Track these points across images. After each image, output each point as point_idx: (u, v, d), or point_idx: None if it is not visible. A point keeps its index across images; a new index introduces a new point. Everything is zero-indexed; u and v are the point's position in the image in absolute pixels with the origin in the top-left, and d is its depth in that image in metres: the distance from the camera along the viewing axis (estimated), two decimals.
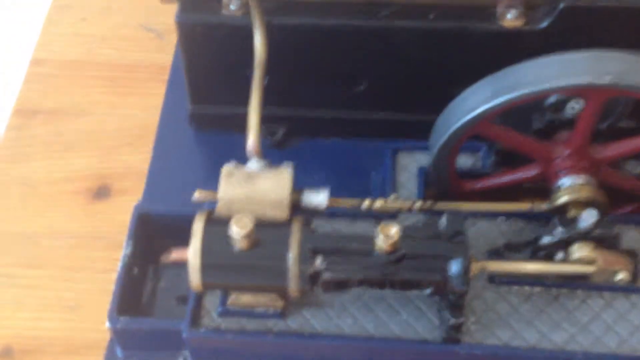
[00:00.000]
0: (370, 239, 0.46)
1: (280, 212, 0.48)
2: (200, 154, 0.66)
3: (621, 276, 0.48)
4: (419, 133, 0.61)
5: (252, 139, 0.51)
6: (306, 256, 0.46)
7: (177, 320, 0.51)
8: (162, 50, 0.75)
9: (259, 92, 0.53)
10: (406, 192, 0.58)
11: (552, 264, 0.49)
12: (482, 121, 0.49)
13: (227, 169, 0.51)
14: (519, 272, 0.49)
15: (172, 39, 0.76)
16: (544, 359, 0.49)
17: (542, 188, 0.54)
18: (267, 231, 0.47)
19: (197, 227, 0.47)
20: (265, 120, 0.66)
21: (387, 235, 0.45)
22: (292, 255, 0.46)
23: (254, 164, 0.51)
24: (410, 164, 0.60)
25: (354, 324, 0.51)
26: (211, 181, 0.64)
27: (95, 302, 0.59)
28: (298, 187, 0.52)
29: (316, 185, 0.64)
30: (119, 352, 0.54)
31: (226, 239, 0.46)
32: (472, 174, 0.56)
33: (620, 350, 0.49)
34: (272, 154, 0.65)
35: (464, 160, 0.59)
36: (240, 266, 0.46)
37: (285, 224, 0.47)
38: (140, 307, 0.55)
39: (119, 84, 0.73)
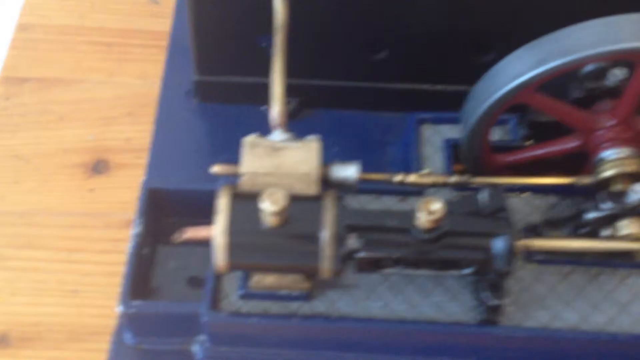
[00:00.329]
0: (409, 215, 0.43)
1: (310, 187, 0.45)
2: (205, 126, 0.62)
3: None
4: (440, 105, 0.59)
5: (276, 109, 0.47)
6: (341, 234, 0.43)
7: (194, 303, 0.47)
8: (159, 15, 0.71)
9: (281, 58, 0.49)
10: (432, 166, 0.55)
11: (600, 240, 0.46)
12: (528, 89, 0.46)
13: (249, 140, 0.47)
14: (564, 249, 0.46)
15: (168, 3, 0.72)
16: (586, 342, 0.46)
17: (570, 162, 0.52)
18: (297, 207, 0.43)
19: (223, 203, 0.43)
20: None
21: (429, 212, 0.42)
22: (326, 233, 0.42)
23: (278, 136, 0.47)
24: (434, 137, 0.57)
25: (384, 306, 0.48)
26: (217, 154, 0.61)
27: (98, 285, 0.55)
28: None
29: (332, 159, 0.60)
30: (128, 338, 0.50)
31: (254, 215, 0.42)
32: (505, 147, 0.53)
33: None
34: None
35: (493, 133, 0.56)
36: (270, 245, 0.43)
37: (317, 199, 0.44)
38: (149, 289, 0.51)
39: (114, 51, 0.68)
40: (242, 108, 0.62)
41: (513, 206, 0.52)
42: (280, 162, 0.46)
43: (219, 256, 0.43)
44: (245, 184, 0.45)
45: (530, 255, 0.49)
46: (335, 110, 0.62)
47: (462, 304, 0.48)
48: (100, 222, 0.58)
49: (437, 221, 0.43)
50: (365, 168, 0.59)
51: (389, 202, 0.52)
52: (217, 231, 0.42)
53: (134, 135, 0.63)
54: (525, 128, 0.54)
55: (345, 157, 0.61)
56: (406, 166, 0.58)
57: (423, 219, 0.42)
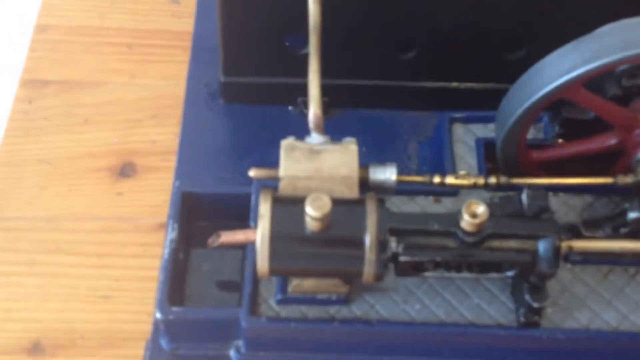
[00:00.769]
0: (452, 219, 0.43)
1: (350, 190, 0.44)
2: (233, 128, 0.61)
3: None
4: (469, 103, 0.58)
5: (314, 111, 0.47)
6: (384, 238, 0.42)
7: (232, 308, 0.47)
8: (179, 15, 0.70)
9: (317, 58, 0.48)
10: (465, 166, 0.54)
11: None
12: (574, 86, 0.45)
13: (287, 143, 0.46)
14: (608, 250, 0.46)
15: (188, 3, 0.71)
16: (629, 342, 0.46)
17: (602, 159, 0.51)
18: (340, 211, 0.42)
19: (265, 208, 0.42)
20: (303, 92, 0.61)
21: (473, 215, 0.42)
22: (370, 237, 0.42)
23: (315, 138, 0.47)
24: (467, 136, 0.56)
25: (423, 309, 0.48)
26: (245, 156, 0.60)
27: (129, 290, 0.54)
28: None
29: (361, 158, 0.60)
30: (164, 343, 0.49)
31: (297, 220, 0.42)
32: (542, 145, 0.53)
33: None
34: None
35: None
36: (313, 250, 0.42)
37: (360, 203, 0.43)
38: (183, 295, 0.51)
39: (136, 52, 0.67)
40: (268, 109, 0.62)
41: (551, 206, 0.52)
42: (319, 165, 0.46)
43: (262, 262, 0.42)
44: (285, 188, 0.45)
45: (568, 256, 0.49)
46: (363, 110, 0.62)
47: (501, 306, 0.48)
48: (130, 226, 0.58)
49: (481, 224, 0.42)
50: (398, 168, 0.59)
51: (424, 203, 0.52)
52: (260, 237, 0.42)
53: (159, 138, 0.62)
54: (558, 126, 0.54)
55: (374, 158, 0.61)
56: (436, 166, 0.58)
57: (467, 223, 0.42)
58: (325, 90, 0.61)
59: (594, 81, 0.49)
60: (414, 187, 0.51)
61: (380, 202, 0.44)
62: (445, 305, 0.48)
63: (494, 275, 0.45)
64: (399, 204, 0.52)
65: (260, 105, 0.62)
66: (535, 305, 0.45)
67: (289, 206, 0.42)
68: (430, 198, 0.52)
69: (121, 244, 0.57)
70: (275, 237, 0.42)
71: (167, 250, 0.48)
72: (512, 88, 0.50)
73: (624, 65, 0.49)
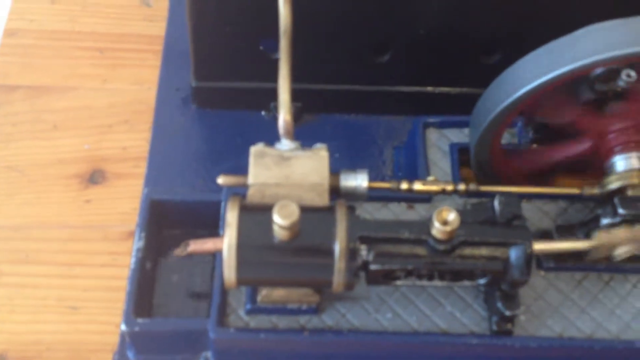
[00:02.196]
0: (423, 226, 0.42)
1: (320, 197, 0.43)
2: (204, 133, 0.60)
3: (622, 250, 0.44)
4: (443, 108, 0.58)
5: (283, 117, 0.46)
6: (354, 247, 0.42)
7: (200, 319, 0.46)
8: (151, 18, 0.69)
9: (287, 63, 0.47)
10: (439, 172, 0.54)
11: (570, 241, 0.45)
12: (542, 92, 0.45)
13: (256, 149, 0.45)
14: (576, 249, 0.45)
15: (160, 6, 0.70)
16: (602, 350, 0.46)
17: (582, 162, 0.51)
18: (309, 219, 0.42)
19: (232, 217, 0.41)
20: (276, 97, 0.61)
21: (444, 222, 0.41)
22: (339, 245, 0.41)
23: (286, 145, 0.46)
24: (440, 141, 0.56)
25: (395, 318, 0.47)
26: (218, 162, 0.59)
27: (98, 300, 0.53)
28: None
29: (333, 164, 0.59)
30: (131, 355, 0.48)
31: (265, 229, 0.41)
32: (514, 151, 0.53)
33: None
34: None
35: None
36: (281, 260, 0.41)
37: (329, 211, 0.42)
38: (152, 305, 0.49)
39: (108, 56, 0.66)
40: (241, 114, 0.61)
41: (525, 212, 0.51)
42: (289, 172, 0.45)
43: (229, 272, 0.41)
44: (253, 195, 0.44)
45: (542, 263, 0.49)
46: (337, 115, 0.61)
47: (474, 314, 0.47)
48: (99, 234, 0.57)
49: (452, 232, 0.41)
50: (369, 174, 0.58)
51: (397, 210, 0.51)
52: (226, 246, 0.41)
53: (130, 144, 0.61)
54: (532, 130, 0.53)
55: (348, 163, 0.60)
56: (411, 171, 0.57)
57: (438, 230, 0.41)
58: (299, 95, 0.61)
59: (568, 85, 0.49)
60: (387, 193, 0.50)
61: (351, 210, 0.43)
62: (417, 314, 0.47)
63: (466, 283, 0.44)
64: (372, 211, 0.52)
65: (233, 110, 0.61)
66: (507, 313, 0.44)
67: (256, 214, 0.42)
68: (404, 204, 0.52)
69: (90, 253, 0.56)
70: (243, 246, 0.41)
71: (133, 260, 0.47)
72: (484, 92, 0.49)
73: (599, 68, 0.49)
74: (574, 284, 0.48)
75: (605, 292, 0.48)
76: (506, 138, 0.55)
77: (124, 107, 0.63)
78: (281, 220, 0.40)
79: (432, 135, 0.56)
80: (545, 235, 0.49)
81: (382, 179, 0.57)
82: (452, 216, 0.41)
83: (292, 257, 0.42)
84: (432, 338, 0.46)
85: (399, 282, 0.44)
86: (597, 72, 0.49)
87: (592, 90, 0.49)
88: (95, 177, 0.59)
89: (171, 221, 0.52)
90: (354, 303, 0.47)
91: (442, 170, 0.54)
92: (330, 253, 0.41)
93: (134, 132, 0.62)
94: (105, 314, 0.52)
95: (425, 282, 0.44)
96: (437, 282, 0.44)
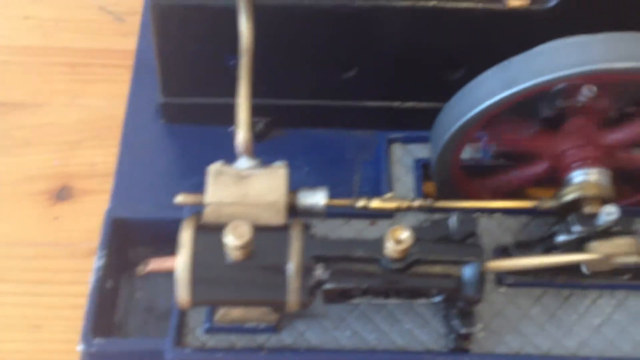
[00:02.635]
0: (377, 245, 0.42)
1: (277, 216, 0.44)
2: (172, 149, 0.60)
3: (632, 258, 0.44)
4: (411, 122, 0.58)
5: (242, 135, 0.46)
6: (308, 266, 0.42)
7: (158, 339, 0.46)
8: (124, 33, 0.69)
9: (247, 82, 0.48)
10: (403, 187, 0.54)
11: (556, 255, 0.45)
12: (493, 113, 0.45)
13: (214, 168, 0.45)
14: (523, 267, 0.45)
15: (133, 21, 0.70)
16: None
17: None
18: (263, 238, 0.42)
19: (186, 237, 0.41)
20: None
21: (397, 241, 0.41)
22: (293, 265, 0.41)
23: (244, 163, 0.46)
24: (405, 156, 0.56)
25: (353, 336, 0.47)
26: (186, 180, 0.59)
27: (62, 318, 0.54)
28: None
29: (302, 179, 0.59)
30: None
31: (219, 249, 0.41)
32: (477, 171, 0.53)
33: (635, 353, 0.47)
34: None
35: (464, 151, 0.55)
36: (235, 280, 0.42)
37: (283, 230, 0.43)
38: (114, 324, 0.50)
39: (79, 72, 0.66)
40: (210, 129, 0.61)
41: (484, 227, 0.51)
42: (246, 191, 0.45)
43: (182, 292, 0.41)
44: (210, 214, 0.44)
45: (502, 279, 0.49)
46: (306, 130, 0.61)
47: (432, 332, 0.47)
48: (65, 251, 0.57)
49: (405, 250, 0.42)
50: (337, 188, 0.58)
51: (359, 226, 0.52)
52: (179, 266, 0.41)
53: (100, 160, 0.61)
54: (495, 147, 0.53)
55: (317, 178, 0.61)
56: (377, 186, 0.57)
57: (391, 249, 0.42)
58: (268, 111, 0.61)
59: (526, 105, 0.49)
60: (350, 209, 0.50)
61: (306, 228, 0.43)
62: (376, 332, 0.47)
63: (422, 301, 0.44)
64: (335, 227, 0.52)
65: (201, 125, 0.61)
66: (463, 331, 0.44)
67: (211, 234, 0.42)
68: (366, 221, 0.52)
69: (56, 271, 0.56)
70: (196, 266, 0.41)
71: (93, 279, 0.47)
72: (444, 108, 0.49)
73: (560, 84, 0.49)
74: (533, 300, 0.48)
75: (564, 308, 0.48)
76: (470, 153, 0.55)
77: (94, 122, 0.63)
78: (233, 241, 0.40)
79: (397, 150, 0.56)
80: (504, 251, 0.49)
81: (351, 194, 0.58)
82: (404, 235, 0.41)
83: (246, 277, 0.42)
84: (389, 356, 0.46)
85: (355, 301, 0.44)
86: (559, 88, 0.49)
87: (551, 106, 0.49)
88: (63, 194, 0.60)
89: (135, 239, 0.52)
90: (313, 321, 0.47)
91: (405, 185, 0.54)
92: (284, 272, 0.42)
93: (103, 147, 0.62)
94: (69, 332, 0.53)
95: (381, 300, 0.44)
96: (393, 300, 0.44)
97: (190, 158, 0.60)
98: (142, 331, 0.50)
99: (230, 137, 0.62)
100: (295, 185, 0.47)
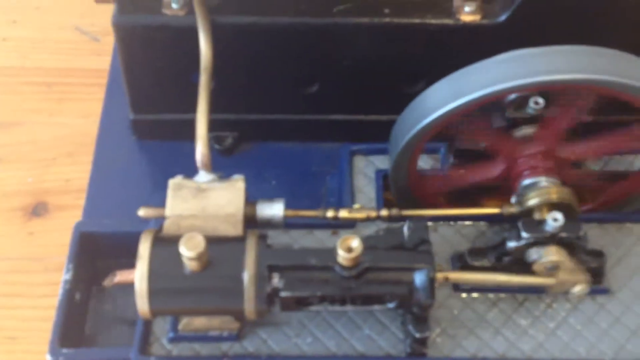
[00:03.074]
0: (330, 253, 0.44)
1: (234, 228, 0.45)
2: (144, 164, 0.62)
3: (579, 288, 0.46)
4: (375, 135, 0.59)
5: (200, 150, 0.48)
6: (263, 275, 0.43)
7: (124, 348, 0.47)
8: (99, 53, 0.71)
9: (206, 98, 0.49)
10: (364, 197, 0.56)
11: (512, 275, 0.47)
12: (450, 119, 0.47)
13: (174, 182, 0.47)
14: (483, 283, 0.47)
15: (108, 41, 0.72)
16: None
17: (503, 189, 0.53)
18: (220, 250, 0.43)
19: (144, 249, 0.43)
20: (214, 127, 0.62)
21: (348, 250, 0.43)
22: (248, 274, 0.43)
23: (203, 177, 0.47)
24: (367, 167, 0.57)
25: (314, 342, 0.48)
26: (157, 194, 0.61)
27: (36, 330, 0.55)
28: (255, 195, 0.49)
29: (270, 191, 0.60)
30: None
31: (176, 260, 0.42)
32: (430, 176, 0.54)
33: (590, 355, 0.48)
34: (222, 160, 0.62)
35: (424, 162, 0.57)
36: (192, 290, 0.43)
37: (240, 241, 0.44)
38: (84, 335, 0.51)
39: (55, 90, 0.68)
40: (180, 144, 0.62)
41: (444, 235, 0.53)
42: (205, 203, 0.46)
43: (141, 302, 0.43)
44: (169, 227, 0.45)
45: (459, 285, 0.50)
46: (274, 143, 0.63)
47: (391, 337, 0.48)
48: (39, 266, 0.58)
49: (356, 258, 0.43)
50: (304, 200, 0.60)
51: (322, 236, 0.53)
52: (138, 277, 0.43)
53: (73, 176, 0.63)
54: (452, 157, 0.55)
55: (284, 190, 0.62)
56: (342, 197, 0.59)
57: (342, 257, 0.43)
58: (236, 125, 0.63)
59: (484, 109, 0.51)
60: (313, 220, 0.52)
61: (261, 239, 0.45)
62: (336, 338, 0.49)
63: (376, 307, 0.46)
64: (298, 237, 0.53)
65: (172, 140, 0.63)
66: (417, 335, 0.46)
67: (168, 246, 0.43)
68: (329, 231, 0.53)
69: (31, 284, 0.57)
70: (153, 278, 0.43)
71: (61, 292, 0.49)
72: (399, 118, 0.51)
73: (511, 95, 0.51)
74: (489, 305, 0.50)
75: (519, 312, 0.49)
76: (429, 163, 0.57)
77: (68, 139, 0.65)
78: (187, 252, 0.42)
79: (360, 162, 0.58)
80: (460, 259, 0.50)
81: (317, 205, 0.59)
82: (355, 243, 0.43)
83: (203, 287, 0.43)
84: None
85: (314, 308, 0.46)
86: (511, 99, 0.51)
87: (503, 116, 0.51)
88: (38, 210, 0.61)
89: (104, 252, 0.53)
90: (275, 328, 0.49)
91: (367, 196, 0.56)
92: (240, 281, 0.43)
93: (77, 164, 0.64)
94: (43, 344, 0.53)
95: (338, 307, 0.46)
96: (349, 307, 0.46)
97: (161, 173, 0.61)
98: (111, 341, 0.51)
99: None
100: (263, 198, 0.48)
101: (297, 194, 0.61)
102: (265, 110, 0.61)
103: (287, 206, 0.49)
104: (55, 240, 0.59)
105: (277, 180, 0.61)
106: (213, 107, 0.59)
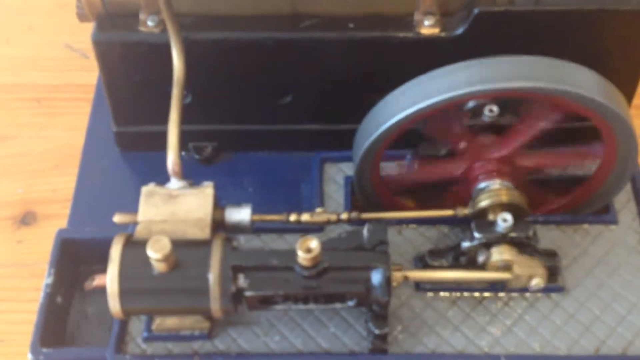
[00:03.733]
0: (291, 254, 0.46)
1: (202, 232, 0.48)
2: (127, 174, 0.65)
3: (535, 282, 0.48)
4: (346, 143, 0.62)
5: (171, 158, 0.50)
6: (227, 275, 0.46)
7: (102, 348, 0.50)
8: (88, 69, 0.75)
9: (177, 110, 0.52)
10: (334, 203, 0.58)
11: (469, 271, 0.49)
12: (402, 127, 0.49)
13: (147, 189, 0.50)
14: (439, 279, 0.49)
15: None
16: None
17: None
18: (187, 252, 0.46)
19: (115, 252, 0.46)
20: (194, 138, 0.66)
21: (307, 250, 0.45)
22: (213, 275, 0.45)
23: (174, 184, 0.50)
24: (337, 174, 0.60)
25: (282, 341, 0.51)
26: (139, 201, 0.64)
27: (24, 333, 0.57)
28: (234, 202, 0.51)
29: (247, 199, 0.63)
30: None
31: (145, 262, 0.45)
32: (391, 177, 0.57)
33: (544, 351, 0.50)
34: (202, 169, 0.65)
35: (390, 169, 0.59)
36: (161, 290, 0.46)
37: (206, 243, 0.47)
38: (66, 336, 0.54)
39: (45, 105, 0.72)
40: (161, 155, 0.65)
41: (407, 237, 0.55)
42: (175, 209, 0.49)
43: (113, 303, 0.46)
44: (140, 232, 0.48)
45: (420, 285, 0.52)
46: (252, 152, 0.66)
47: (355, 335, 0.51)
48: (27, 272, 0.61)
49: (315, 258, 0.45)
50: (280, 206, 0.62)
51: (292, 240, 0.55)
52: (109, 279, 0.45)
53: (60, 186, 0.66)
54: (417, 163, 0.57)
55: (261, 197, 0.65)
56: (315, 203, 0.61)
57: (302, 257, 0.45)
58: (214, 135, 0.66)
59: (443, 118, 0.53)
60: (284, 224, 0.54)
61: (227, 241, 0.47)
62: (303, 336, 0.51)
63: (338, 305, 0.48)
64: (269, 241, 0.56)
65: (154, 151, 0.65)
66: (376, 332, 0.48)
67: (138, 249, 0.46)
68: (299, 235, 0.56)
69: (19, 290, 0.60)
70: (123, 279, 0.45)
71: (42, 295, 0.52)
72: (360, 124, 0.53)
73: (471, 102, 0.53)
74: (449, 304, 0.52)
75: (477, 310, 0.52)
76: (395, 169, 0.59)
77: (57, 152, 0.68)
78: (154, 254, 0.44)
79: (330, 169, 0.60)
80: (422, 260, 0.52)
81: (290, 212, 0.62)
82: (313, 244, 0.45)
83: (171, 287, 0.46)
84: (314, 359, 0.50)
85: (278, 307, 0.48)
86: (467, 107, 0.53)
87: (461, 124, 0.53)
88: (27, 219, 0.64)
89: (86, 257, 0.56)
90: (245, 328, 0.51)
91: (336, 201, 0.58)
92: (205, 282, 0.46)
93: (64, 175, 0.67)
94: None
95: (302, 306, 0.48)
96: (312, 306, 0.48)
97: (144, 182, 0.63)
98: (92, 342, 0.54)
99: (182, 161, 0.67)
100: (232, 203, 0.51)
101: (273, 200, 0.64)
102: (242, 121, 0.64)
103: (265, 212, 0.52)
104: (43, 247, 0.62)
105: (255, 188, 0.64)
106: (193, 119, 0.62)
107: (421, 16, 0.56)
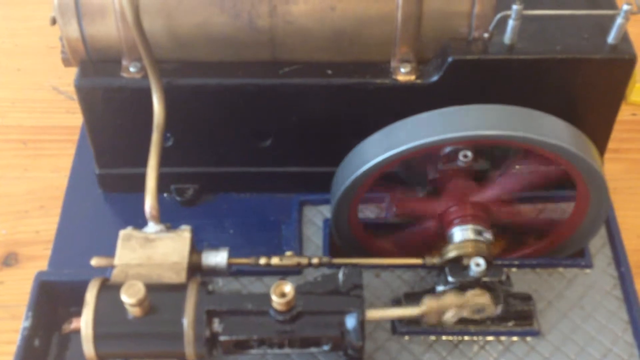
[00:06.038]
0: (266, 298, 0.46)
1: (177, 276, 0.48)
2: (109, 216, 0.65)
3: (448, 315, 0.48)
4: (326, 185, 0.63)
5: (149, 203, 0.51)
6: (201, 319, 0.46)
7: None
8: (75, 111, 0.75)
9: (156, 155, 0.53)
10: (312, 245, 0.59)
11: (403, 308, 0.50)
12: (378, 172, 0.50)
13: (124, 233, 0.50)
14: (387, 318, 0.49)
15: None
16: None
17: None
18: (162, 296, 0.46)
19: (90, 296, 0.46)
20: (176, 180, 0.66)
21: (281, 294, 0.46)
22: (187, 319, 0.46)
23: (152, 227, 0.51)
24: (316, 217, 0.61)
25: None
26: None
27: None
28: (214, 243, 0.52)
29: (229, 240, 0.64)
30: None
31: (120, 307, 0.45)
32: (372, 229, 0.57)
33: None
34: (184, 211, 0.66)
35: (370, 211, 0.60)
36: (135, 334, 0.46)
37: (181, 287, 0.47)
38: None
39: (30, 147, 0.72)
40: (143, 196, 0.66)
41: (386, 280, 0.56)
42: (152, 252, 0.49)
43: (87, 347, 0.46)
44: (117, 275, 0.48)
45: (396, 328, 0.53)
46: (233, 194, 0.67)
47: None
48: (7, 313, 0.61)
49: (289, 303, 0.46)
50: (261, 247, 0.62)
51: (270, 283, 0.55)
52: (84, 323, 0.45)
53: (44, 227, 0.66)
54: (395, 205, 0.58)
55: (242, 238, 0.65)
56: (295, 245, 0.62)
57: (276, 302, 0.46)
58: (197, 178, 0.67)
59: (419, 164, 0.54)
60: (263, 267, 0.55)
61: (202, 285, 0.48)
62: None
63: (313, 349, 0.48)
64: (247, 284, 0.56)
65: (136, 193, 0.66)
66: None
67: (113, 293, 0.46)
68: (277, 278, 0.56)
69: None
70: (98, 323, 0.45)
71: (19, 338, 0.52)
72: (337, 169, 0.54)
73: (444, 149, 0.54)
74: (425, 347, 0.52)
75: (454, 354, 0.52)
76: (375, 212, 0.60)
77: (40, 193, 0.69)
78: (128, 299, 0.45)
79: (309, 211, 0.61)
80: (397, 303, 0.53)
81: (272, 254, 0.62)
82: (287, 288, 0.46)
83: (145, 332, 0.46)
84: None
85: (253, 351, 0.48)
86: (445, 152, 0.54)
87: (435, 169, 0.54)
88: (9, 260, 0.65)
89: (64, 300, 0.56)
90: None
91: (314, 244, 0.59)
92: (180, 326, 0.46)
93: (48, 216, 0.67)
94: None
95: (277, 350, 0.48)
96: (287, 350, 0.48)
97: (126, 224, 0.64)
98: None
99: (163, 203, 0.67)
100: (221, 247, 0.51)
101: (254, 242, 0.64)
102: (224, 163, 0.64)
103: (246, 253, 0.52)
104: (24, 289, 0.62)
105: (235, 229, 0.65)
106: (174, 161, 0.63)
107: (397, 63, 0.57)
